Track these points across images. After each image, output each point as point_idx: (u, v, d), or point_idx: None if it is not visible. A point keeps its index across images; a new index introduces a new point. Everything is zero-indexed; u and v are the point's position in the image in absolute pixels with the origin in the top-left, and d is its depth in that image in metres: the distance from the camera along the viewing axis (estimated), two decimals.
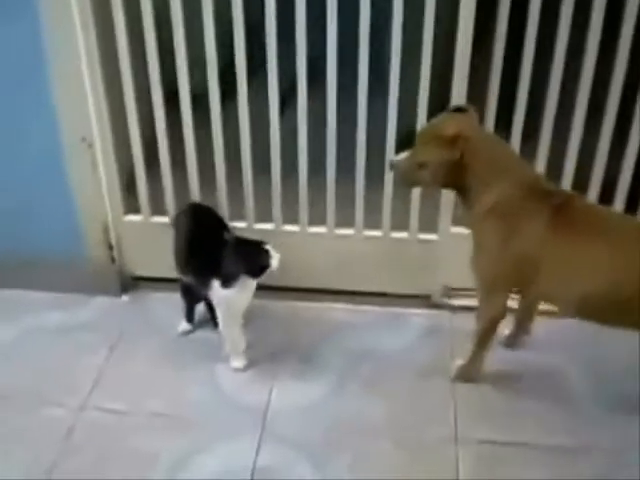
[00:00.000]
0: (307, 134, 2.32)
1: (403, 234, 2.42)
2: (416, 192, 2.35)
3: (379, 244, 2.44)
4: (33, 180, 2.39)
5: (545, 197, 1.93)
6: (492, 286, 2.06)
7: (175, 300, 2.42)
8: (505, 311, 2.09)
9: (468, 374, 2.20)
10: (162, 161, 2.41)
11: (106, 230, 2.47)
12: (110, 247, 2.50)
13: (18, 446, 2.04)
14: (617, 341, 2.26)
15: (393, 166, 2.08)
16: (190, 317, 2.40)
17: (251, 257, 2.09)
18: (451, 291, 2.46)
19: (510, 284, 2.05)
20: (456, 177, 1.95)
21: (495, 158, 1.96)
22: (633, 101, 2.21)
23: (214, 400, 2.17)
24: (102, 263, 2.51)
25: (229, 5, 2.16)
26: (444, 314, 2.45)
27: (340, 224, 2.45)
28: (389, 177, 2.32)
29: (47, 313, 2.47)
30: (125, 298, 2.56)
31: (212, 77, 2.26)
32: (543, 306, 2.27)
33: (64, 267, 2.48)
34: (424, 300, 2.48)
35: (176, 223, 2.31)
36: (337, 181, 2.39)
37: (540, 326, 2.32)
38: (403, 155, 2.04)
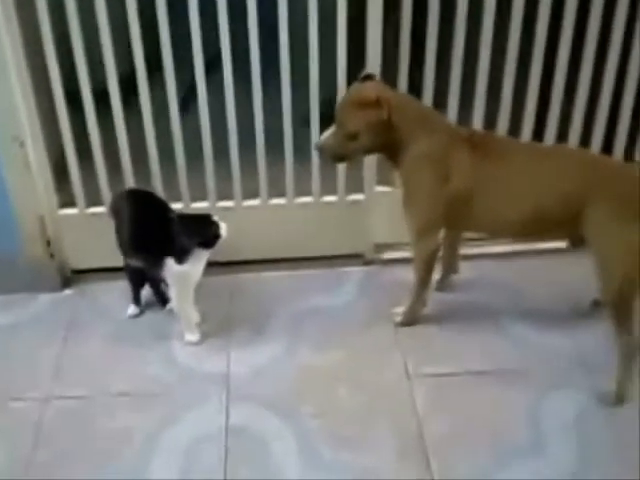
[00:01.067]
0: (235, 113, 2.44)
1: (332, 197, 2.58)
2: None
3: (310, 210, 2.59)
4: None
5: (465, 138, 2.15)
6: (427, 226, 2.23)
7: (118, 287, 2.51)
8: (439, 248, 2.28)
9: (410, 317, 2.38)
10: (95, 152, 2.47)
11: (43, 226, 2.50)
12: (48, 243, 2.53)
13: None
14: (534, 274, 2.52)
15: (320, 147, 2.19)
16: (137, 300, 2.47)
17: (202, 229, 2.20)
18: (382, 247, 2.63)
19: (442, 221, 2.24)
20: (385, 138, 2.11)
21: (417, 113, 2.16)
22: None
23: (175, 374, 2.26)
24: (41, 260, 2.54)
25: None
26: (378, 269, 2.63)
27: (272, 195, 2.58)
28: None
29: None
30: (68, 292, 2.60)
31: (140, 73, 2.36)
32: (464, 250, 2.50)
33: (2, 268, 2.51)
34: (358, 258, 2.64)
35: (115, 210, 2.36)
36: (266, 155, 2.52)
37: (464, 269, 2.53)
38: (327, 134, 2.17)
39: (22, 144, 2.34)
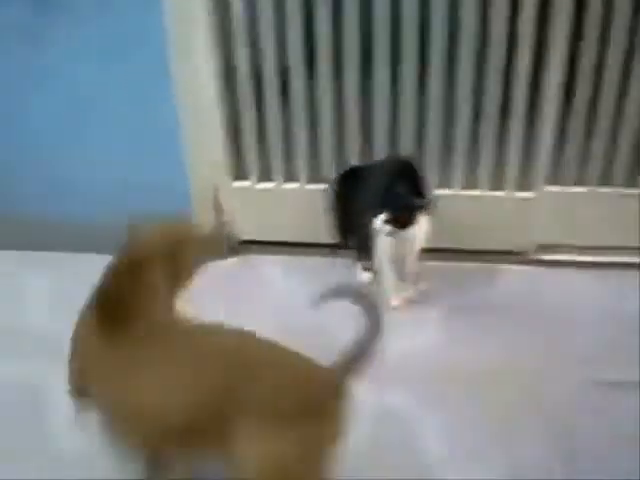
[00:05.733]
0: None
1: (501, 193, 2.56)
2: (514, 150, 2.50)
3: (478, 203, 2.58)
4: (148, 149, 2.55)
5: None
6: None
7: (282, 261, 2.62)
8: None
9: None
10: (271, 131, 2.57)
11: (215, 195, 2.62)
12: (218, 212, 2.65)
13: None
14: None
15: None
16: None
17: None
18: (545, 247, 2.58)
19: None
20: None
21: None
22: None
23: (334, 348, 2.23)
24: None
25: None
26: (538, 269, 2.57)
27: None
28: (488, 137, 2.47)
29: None
30: (233, 260, 2.69)
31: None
32: None
33: None
34: (518, 256, 2.61)
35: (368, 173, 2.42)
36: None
37: None
38: None
39: (204, 114, 2.46)
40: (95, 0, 2.35)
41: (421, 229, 2.31)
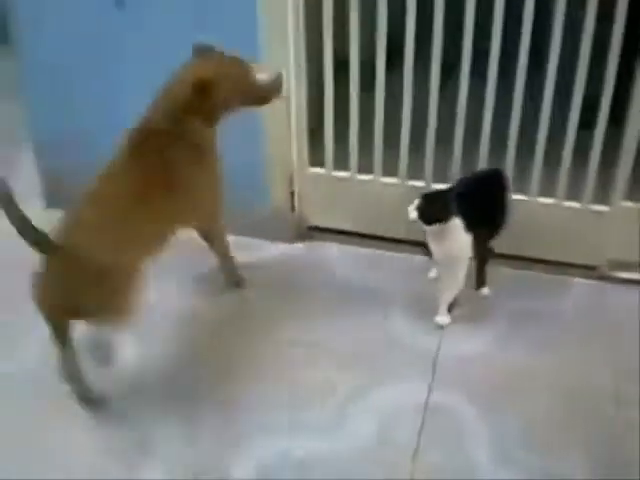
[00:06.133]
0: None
1: (576, 204, 2.51)
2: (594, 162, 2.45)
3: (552, 212, 2.53)
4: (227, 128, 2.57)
5: None
6: None
7: (349, 251, 2.65)
8: None
9: None
10: (352, 118, 2.58)
11: (290, 179, 2.65)
12: (292, 195, 2.68)
13: None
14: None
15: None
16: None
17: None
18: (616, 264, 2.52)
19: None
20: None
21: None
22: None
23: (388, 343, 2.32)
24: (282, 211, 2.69)
25: None
26: (608, 286, 2.52)
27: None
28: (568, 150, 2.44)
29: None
30: (300, 245, 2.74)
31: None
32: None
33: (246, 212, 2.66)
34: (589, 270, 2.56)
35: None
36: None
37: None
38: None
39: (287, 99, 2.48)
40: None
41: (458, 239, 2.25)
